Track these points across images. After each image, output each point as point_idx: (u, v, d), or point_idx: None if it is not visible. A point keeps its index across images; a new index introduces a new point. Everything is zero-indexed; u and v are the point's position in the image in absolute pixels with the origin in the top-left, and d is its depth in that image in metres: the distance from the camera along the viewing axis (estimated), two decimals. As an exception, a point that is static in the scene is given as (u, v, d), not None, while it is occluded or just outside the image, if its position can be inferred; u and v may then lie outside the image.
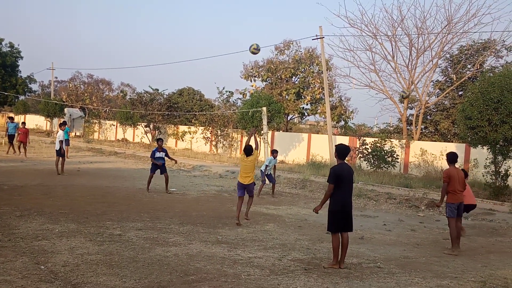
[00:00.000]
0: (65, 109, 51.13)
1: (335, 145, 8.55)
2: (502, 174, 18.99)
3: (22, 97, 61.62)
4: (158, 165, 16.24)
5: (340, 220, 8.10)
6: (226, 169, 25.31)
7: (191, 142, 41.09)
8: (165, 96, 46.09)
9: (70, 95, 57.73)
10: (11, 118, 26.80)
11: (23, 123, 27.38)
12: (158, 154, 16.39)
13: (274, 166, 17.66)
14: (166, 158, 16.80)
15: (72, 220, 10.50)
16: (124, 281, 6.64)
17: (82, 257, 7.67)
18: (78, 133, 51.36)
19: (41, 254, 7.68)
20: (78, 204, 12.57)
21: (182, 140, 42.00)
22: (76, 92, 59.50)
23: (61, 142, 19.20)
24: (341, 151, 8.28)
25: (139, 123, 44.42)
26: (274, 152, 17.70)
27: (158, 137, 17.35)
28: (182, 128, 43.15)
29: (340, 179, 8.05)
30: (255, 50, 22.93)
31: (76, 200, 13.33)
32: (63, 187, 15.65)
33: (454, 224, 10.01)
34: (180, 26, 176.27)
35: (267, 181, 17.45)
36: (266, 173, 17.18)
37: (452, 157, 10.40)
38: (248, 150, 11.76)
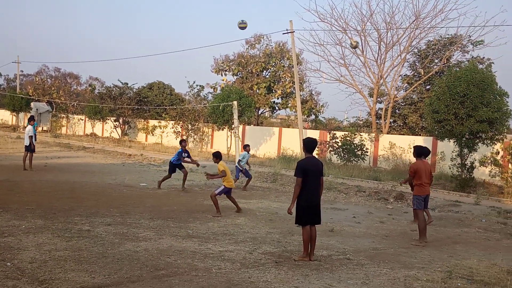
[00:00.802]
0: (32, 103, 50.04)
1: (303, 139, 8.56)
2: (468, 167, 19.43)
3: (-14, 91, 60.07)
4: (176, 166, 16.43)
5: (308, 213, 8.13)
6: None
7: (161, 137, 40.76)
8: (134, 90, 45.55)
9: (37, 89, 56.48)
10: None
11: None
12: (184, 155, 16.43)
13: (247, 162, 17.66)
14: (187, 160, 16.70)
15: (39, 216, 10.31)
16: (93, 277, 6.56)
17: (50, 253, 7.54)
18: (45, 128, 50.35)
19: (7, 251, 7.51)
20: (45, 200, 12.35)
21: (152, 134, 41.64)
22: (43, 86, 58.25)
23: (31, 137, 18.84)
24: (308, 144, 8.28)
25: (108, 118, 43.80)
26: (246, 147, 17.67)
27: (181, 139, 17.47)
28: (152, 122, 42.76)
29: (306, 173, 8.03)
30: (242, 25, 23.13)
31: (44, 195, 13.09)
32: (29, 183, 15.34)
33: (422, 216, 10.23)
34: (149, 20, 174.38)
35: (240, 176, 17.52)
36: (241, 169, 17.24)
37: (418, 151, 10.58)
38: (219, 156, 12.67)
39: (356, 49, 20.57)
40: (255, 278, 6.93)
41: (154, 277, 6.69)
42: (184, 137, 38.44)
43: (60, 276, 6.49)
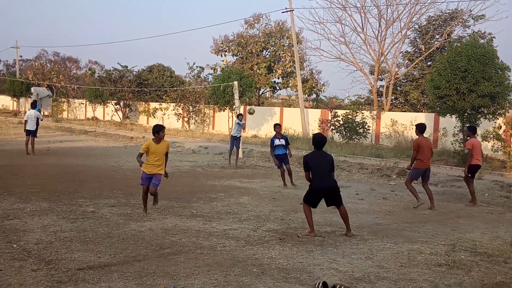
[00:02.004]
0: (32, 88, 49.93)
1: (313, 134, 8.75)
2: (470, 142, 19.37)
3: (-14, 77, 59.89)
4: (280, 157, 13.68)
5: (314, 197, 8.26)
6: (199, 144, 25.24)
7: (162, 119, 40.71)
8: (134, 73, 45.37)
9: (37, 73, 56.35)
10: None
11: None
12: (277, 142, 13.79)
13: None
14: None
15: (44, 198, 10.36)
16: (99, 256, 6.62)
17: (55, 234, 7.60)
18: (46, 113, 50.29)
19: (13, 233, 7.57)
20: (49, 183, 12.39)
21: (154, 117, 41.59)
22: (43, 70, 58.08)
23: (37, 121, 18.92)
24: (316, 140, 8.44)
25: (109, 101, 43.72)
26: (239, 116, 18.22)
27: (275, 123, 14.75)
28: (153, 105, 42.68)
29: (309, 166, 8.27)
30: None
31: (47, 179, 13.13)
32: (32, 167, 15.39)
33: (410, 183, 11.34)
34: (147, 2, 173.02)
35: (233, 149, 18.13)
36: (237, 136, 17.81)
37: (421, 128, 11.33)
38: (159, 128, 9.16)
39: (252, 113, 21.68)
40: (260, 255, 6.98)
41: (160, 256, 6.75)
42: (186, 119, 38.43)
43: (66, 256, 6.55)
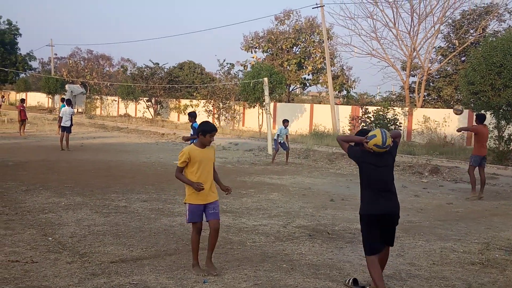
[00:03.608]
0: (66, 86, 50.96)
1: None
2: (505, 139, 18.93)
3: (22, 75, 61.32)
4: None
5: (372, 231, 5.42)
6: (229, 141, 25.33)
7: (193, 116, 40.98)
8: (165, 70, 45.80)
9: (71, 71, 57.43)
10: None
11: (22, 99, 27.20)
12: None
13: (287, 136, 18.06)
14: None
15: (78, 193, 10.58)
16: (131, 250, 6.73)
17: (89, 228, 7.76)
18: (80, 110, 51.30)
19: (48, 226, 7.76)
20: (82, 178, 12.64)
21: (185, 113, 41.89)
22: (77, 68, 59.17)
23: (71, 117, 19.35)
24: (360, 133, 5.77)
25: (140, 98, 44.28)
26: (284, 122, 18.22)
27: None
28: (184, 101, 43.03)
29: (361, 163, 5.49)
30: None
31: (81, 174, 13.41)
32: (67, 162, 15.72)
33: (473, 173, 11.96)
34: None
35: (280, 149, 17.98)
36: (280, 141, 17.74)
37: (481, 118, 12.25)
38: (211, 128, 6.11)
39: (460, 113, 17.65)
40: (290, 251, 6.99)
41: (190, 250, 6.78)
42: (216, 116, 38.63)
43: (99, 249, 6.68)
